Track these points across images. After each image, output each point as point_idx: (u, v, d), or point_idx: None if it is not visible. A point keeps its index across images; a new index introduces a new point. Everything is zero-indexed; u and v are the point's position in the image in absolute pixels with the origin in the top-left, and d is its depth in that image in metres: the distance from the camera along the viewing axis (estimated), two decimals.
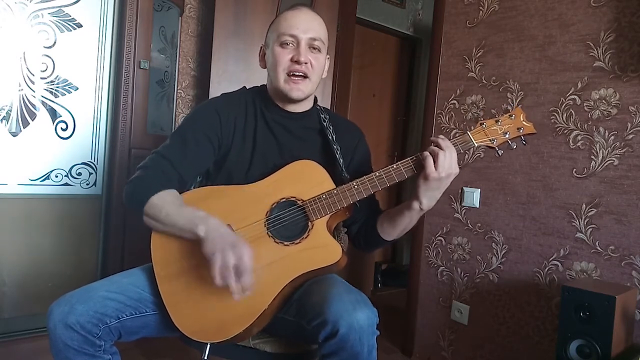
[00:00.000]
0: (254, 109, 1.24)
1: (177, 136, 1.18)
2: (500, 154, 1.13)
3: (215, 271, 0.96)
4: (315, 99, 1.30)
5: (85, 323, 0.99)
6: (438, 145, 1.06)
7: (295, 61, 1.16)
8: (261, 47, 1.27)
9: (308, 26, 1.17)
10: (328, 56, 1.27)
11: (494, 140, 1.11)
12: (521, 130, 1.12)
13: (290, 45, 1.17)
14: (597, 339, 1.43)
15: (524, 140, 1.13)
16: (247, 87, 1.31)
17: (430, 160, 1.05)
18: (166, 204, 1.07)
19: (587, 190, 1.74)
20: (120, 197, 1.98)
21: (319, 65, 1.20)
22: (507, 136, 1.11)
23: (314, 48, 1.18)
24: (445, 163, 1.04)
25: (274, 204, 1.12)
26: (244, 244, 0.99)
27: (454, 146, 1.09)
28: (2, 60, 1.74)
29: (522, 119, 1.12)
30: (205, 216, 1.04)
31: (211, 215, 1.05)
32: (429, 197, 1.09)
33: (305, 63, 1.16)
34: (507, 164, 1.97)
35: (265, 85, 1.28)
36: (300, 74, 1.17)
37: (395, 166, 1.10)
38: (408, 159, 1.10)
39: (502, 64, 2.02)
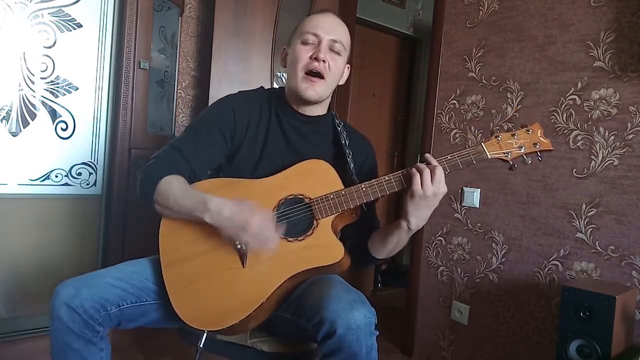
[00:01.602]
0: (269, 109, 1.26)
1: (191, 129, 1.21)
2: (514, 168, 1.12)
3: (245, 256, 1.05)
4: (330, 106, 1.31)
5: (88, 307, 1.00)
6: (427, 162, 1.06)
7: (314, 58, 1.17)
8: (284, 48, 1.30)
9: (331, 28, 1.19)
10: (348, 65, 1.27)
11: (508, 154, 1.10)
12: (537, 146, 1.10)
13: (312, 43, 1.19)
14: (597, 339, 1.43)
15: (539, 156, 1.12)
16: (265, 88, 1.32)
17: (417, 177, 1.05)
18: (172, 189, 1.09)
19: (587, 190, 1.74)
20: (120, 197, 1.99)
21: (337, 68, 1.21)
22: (522, 150, 1.10)
23: (334, 51, 1.20)
24: (431, 181, 1.04)
25: (282, 200, 1.13)
26: (250, 215, 1.01)
27: (467, 156, 1.09)
28: (2, 60, 1.74)
29: (539, 135, 1.11)
30: (205, 201, 1.05)
31: (211, 198, 1.06)
32: (417, 217, 1.09)
33: (324, 62, 1.17)
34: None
35: (283, 88, 1.29)
36: (317, 71, 1.17)
37: (405, 171, 1.09)
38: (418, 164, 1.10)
39: (502, 64, 2.02)
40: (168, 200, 1.09)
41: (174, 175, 1.12)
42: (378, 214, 1.31)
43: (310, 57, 1.17)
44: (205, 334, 1.15)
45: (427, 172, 1.04)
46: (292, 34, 1.26)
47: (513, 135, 1.11)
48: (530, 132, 1.11)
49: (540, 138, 1.11)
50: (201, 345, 1.15)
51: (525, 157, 1.11)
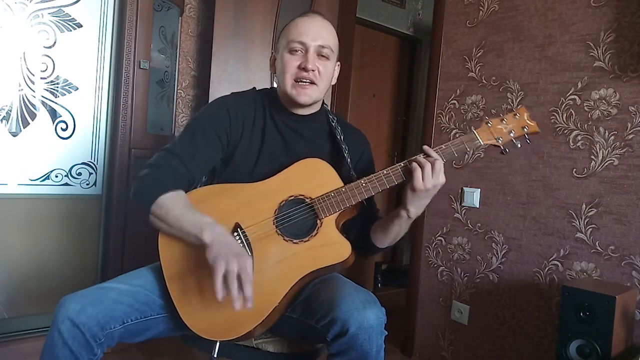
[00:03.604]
0: (263, 110, 1.25)
1: (186, 133, 1.19)
2: (506, 153, 1.13)
3: (218, 278, 0.93)
4: (323, 101, 1.31)
5: (92, 326, 0.98)
6: (427, 155, 1.08)
7: (302, 68, 1.16)
8: (272, 53, 1.29)
9: (317, 34, 1.18)
10: (338, 63, 1.27)
11: (499, 139, 1.12)
12: (525, 129, 1.12)
13: (299, 52, 1.17)
14: (597, 339, 1.43)
15: (528, 139, 1.14)
16: (257, 89, 1.31)
17: (418, 172, 1.06)
18: (174, 206, 1.07)
19: (587, 190, 1.74)
20: (120, 197, 1.99)
21: (327, 72, 1.21)
22: (512, 135, 1.12)
23: (323, 56, 1.19)
24: (432, 175, 1.06)
25: (283, 202, 1.13)
26: (248, 257, 0.99)
27: (461, 144, 1.10)
28: (2, 60, 1.74)
29: (526, 118, 1.13)
30: (211, 223, 1.04)
31: (218, 224, 1.04)
32: (416, 206, 1.11)
33: (313, 70, 1.17)
34: (507, 164, 1.97)
35: (275, 88, 1.29)
36: (307, 81, 1.17)
37: (403, 164, 1.10)
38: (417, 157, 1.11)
39: (502, 64, 2.02)
40: (168, 215, 1.06)
41: (177, 192, 1.09)
42: (378, 205, 1.33)
43: (299, 67, 1.17)
44: (218, 344, 1.15)
45: (428, 167, 1.06)
46: (279, 38, 1.25)
47: (502, 120, 1.13)
48: (517, 117, 1.13)
49: (528, 121, 1.13)
50: (215, 355, 1.15)
51: (514, 141, 1.13)
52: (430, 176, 1.06)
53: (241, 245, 1.05)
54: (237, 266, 0.94)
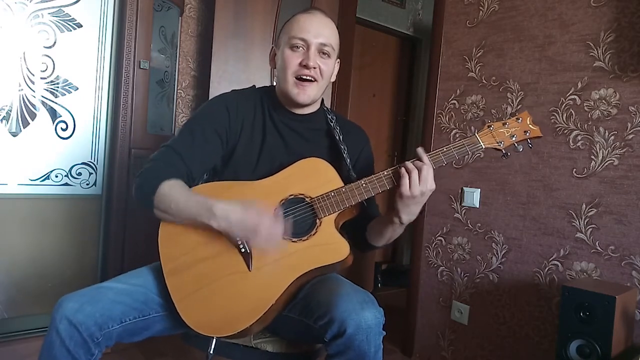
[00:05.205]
0: (262, 109, 1.25)
1: (186, 130, 1.19)
2: (507, 157, 1.13)
3: (256, 252, 1.05)
4: (322, 100, 1.31)
5: (90, 325, 0.98)
6: (418, 158, 1.07)
7: (304, 65, 1.16)
8: (272, 48, 1.28)
9: (319, 31, 1.18)
10: (338, 60, 1.27)
11: (501, 143, 1.12)
12: (527, 134, 1.13)
13: (301, 49, 1.17)
14: (597, 339, 1.43)
15: (530, 144, 1.14)
16: (257, 87, 1.31)
17: (405, 179, 1.05)
18: (174, 194, 1.08)
19: (587, 190, 1.74)
20: (120, 197, 1.99)
21: (328, 70, 1.21)
22: (514, 139, 1.12)
23: (324, 53, 1.19)
24: (418, 182, 1.05)
25: (283, 201, 1.13)
26: (259, 218, 1.01)
27: (462, 147, 1.10)
28: (2, 60, 1.74)
29: (528, 122, 1.13)
30: (210, 207, 1.04)
31: (216, 202, 1.05)
32: (407, 213, 1.10)
33: (314, 68, 1.17)
34: (507, 164, 1.97)
35: (274, 86, 1.29)
36: (308, 78, 1.17)
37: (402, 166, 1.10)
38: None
39: (502, 64, 2.02)
40: (170, 205, 1.07)
41: (175, 180, 1.10)
42: (377, 202, 1.32)
43: (300, 64, 1.17)
44: (214, 340, 1.15)
45: (415, 174, 1.05)
46: (280, 33, 1.25)
47: (504, 124, 1.13)
48: (520, 121, 1.13)
49: (530, 126, 1.13)
50: (211, 352, 1.15)
51: (516, 145, 1.13)
52: (417, 183, 1.04)
53: (246, 204, 1.05)
54: (262, 238, 1.01)
